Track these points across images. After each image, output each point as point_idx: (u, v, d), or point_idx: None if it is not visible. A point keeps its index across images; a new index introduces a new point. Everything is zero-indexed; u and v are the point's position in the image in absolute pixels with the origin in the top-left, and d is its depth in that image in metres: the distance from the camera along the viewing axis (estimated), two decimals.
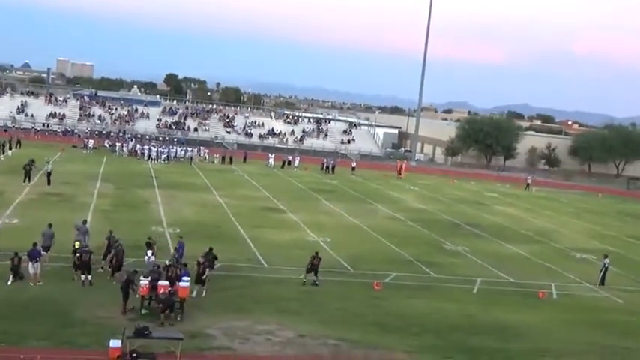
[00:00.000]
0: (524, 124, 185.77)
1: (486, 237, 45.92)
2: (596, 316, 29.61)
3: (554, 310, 29.92)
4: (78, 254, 27.03)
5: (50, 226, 29.83)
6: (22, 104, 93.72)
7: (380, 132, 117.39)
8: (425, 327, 25.43)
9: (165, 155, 72.35)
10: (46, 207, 40.82)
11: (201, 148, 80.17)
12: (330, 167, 76.40)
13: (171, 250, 32.09)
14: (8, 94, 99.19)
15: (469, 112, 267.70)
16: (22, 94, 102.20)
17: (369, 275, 32.22)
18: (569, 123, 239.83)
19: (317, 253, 30.68)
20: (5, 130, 79.30)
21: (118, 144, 76.42)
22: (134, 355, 19.62)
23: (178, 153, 74.68)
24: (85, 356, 19.56)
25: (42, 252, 26.95)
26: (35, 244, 26.82)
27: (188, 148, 77.21)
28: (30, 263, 25.90)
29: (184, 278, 24.54)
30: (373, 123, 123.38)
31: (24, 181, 47.65)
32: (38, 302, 23.91)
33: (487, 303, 29.73)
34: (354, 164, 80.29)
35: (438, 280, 33.07)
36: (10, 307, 23.20)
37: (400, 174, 79.20)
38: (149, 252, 27.74)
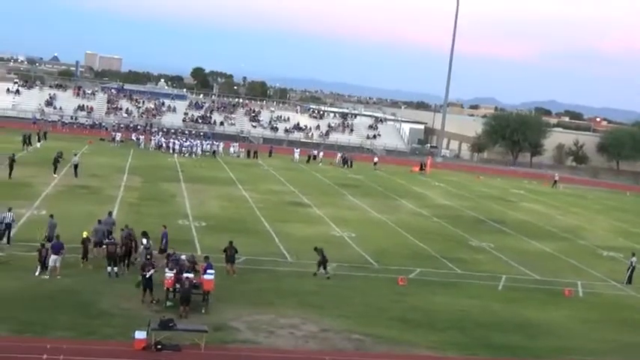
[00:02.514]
0: (552, 120, 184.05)
1: (512, 234, 45.62)
2: (623, 315, 29.30)
3: (579, 308, 29.66)
4: (104, 246, 27.34)
5: (52, 216, 30.34)
6: (50, 97, 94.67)
7: (406, 127, 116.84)
8: (449, 323, 25.33)
9: (192, 148, 72.59)
10: (73, 199, 41.26)
11: (232, 143, 79.74)
12: (349, 161, 76.49)
13: (197, 244, 32.39)
14: (37, 87, 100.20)
15: (496, 108, 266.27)
16: (50, 87, 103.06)
17: (393, 271, 32.14)
18: (598, 119, 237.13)
19: (316, 247, 30.65)
20: (34, 123, 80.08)
21: (142, 137, 76.89)
22: (159, 346, 19.78)
23: (204, 147, 74.78)
24: (110, 347, 19.74)
25: (64, 246, 27.11)
26: (58, 237, 27.08)
27: (215, 142, 77.38)
28: (52, 256, 26.09)
29: (209, 271, 24.66)
30: (399, 118, 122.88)
31: (54, 173, 48.16)
32: (64, 293, 24.17)
33: (512, 300, 29.54)
34: (375, 159, 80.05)
35: (463, 277, 32.93)
36: (36, 298, 23.47)
37: (424, 169, 78.89)
38: (144, 240, 27.94)
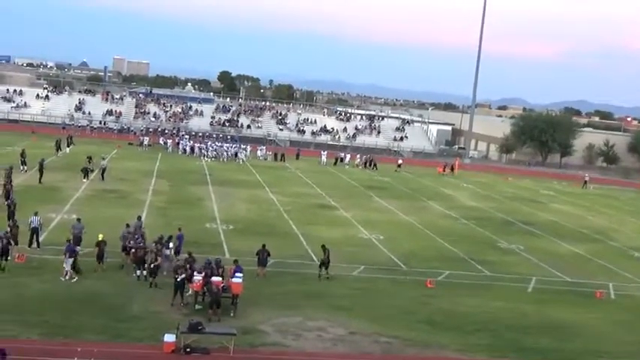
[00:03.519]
0: (582, 120, 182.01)
1: (542, 235, 45.24)
2: None
3: (611, 310, 29.32)
4: (133, 250, 27.60)
5: (79, 220, 30.60)
6: (79, 102, 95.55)
7: (433, 129, 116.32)
8: (478, 326, 25.19)
9: (219, 152, 72.82)
10: (102, 203, 41.67)
11: (259, 146, 79.79)
12: (373, 163, 76.46)
13: (225, 247, 32.56)
14: (66, 93, 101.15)
15: (524, 109, 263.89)
16: (79, 92, 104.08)
17: (421, 273, 32.05)
18: (629, 119, 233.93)
19: (323, 245, 30.51)
20: (63, 128, 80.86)
21: (169, 141, 77.39)
22: (188, 349, 19.92)
23: (231, 150, 74.81)
24: (140, 350, 19.93)
25: (77, 248, 27.31)
26: (69, 241, 27.31)
27: (242, 145, 77.48)
28: (67, 260, 26.31)
29: (237, 274, 24.77)
30: (426, 120, 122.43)
31: (84, 178, 48.66)
32: (94, 297, 24.43)
33: (542, 302, 29.29)
34: (400, 161, 79.75)
35: (492, 279, 32.72)
36: (66, 301, 23.75)
37: (452, 171, 78.59)
38: (170, 244, 28.10)
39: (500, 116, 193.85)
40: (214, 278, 24.22)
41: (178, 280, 24.29)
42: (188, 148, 74.83)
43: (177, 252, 28.75)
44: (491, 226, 46.68)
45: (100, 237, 27.84)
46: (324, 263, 29.79)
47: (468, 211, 52.32)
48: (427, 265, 33.94)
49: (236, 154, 73.53)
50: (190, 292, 24.79)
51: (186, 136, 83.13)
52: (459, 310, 26.96)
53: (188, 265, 25.17)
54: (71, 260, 26.26)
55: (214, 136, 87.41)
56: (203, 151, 73.13)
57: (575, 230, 48.54)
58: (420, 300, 27.98)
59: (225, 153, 73.04)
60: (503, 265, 35.75)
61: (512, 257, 37.88)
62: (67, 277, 26.06)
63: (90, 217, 33.56)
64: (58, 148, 62.15)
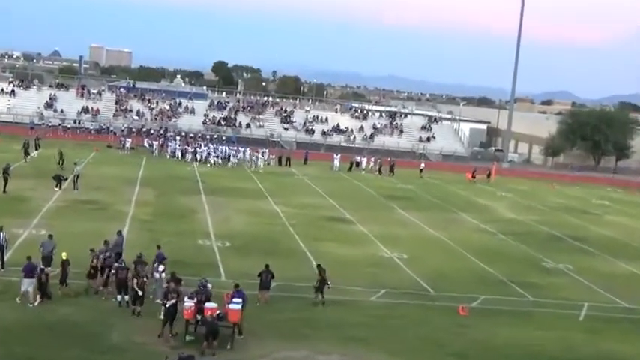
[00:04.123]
0: None
1: (595, 253, 45.13)
2: None
3: None
4: (113, 271, 27.63)
5: (51, 236, 30.65)
6: (50, 98, 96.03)
7: (465, 128, 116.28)
8: None
9: (212, 155, 72.81)
10: (77, 216, 41.79)
11: (262, 150, 79.42)
12: (389, 167, 76.95)
13: (220, 268, 32.58)
14: (35, 87, 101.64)
15: (572, 104, 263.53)
16: (50, 86, 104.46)
17: (452, 298, 31.97)
18: None
19: (319, 265, 30.55)
20: (32, 128, 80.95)
21: (155, 143, 77.63)
22: None
23: (227, 153, 74.70)
24: None
25: (40, 267, 27.27)
26: (30, 258, 27.34)
27: (240, 148, 77.34)
28: (25, 280, 26.35)
29: (235, 300, 24.74)
30: (457, 117, 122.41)
31: (56, 187, 48.79)
32: (68, 325, 24.48)
33: (595, 332, 29.17)
34: (422, 165, 79.67)
35: (536, 305, 32.61)
36: (36, 330, 23.80)
37: (488, 178, 78.54)
38: (161, 267, 28.12)
39: (544, 113, 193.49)
40: (208, 304, 24.22)
41: (167, 305, 24.24)
42: (178, 152, 75.01)
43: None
44: (535, 242, 46.57)
45: (64, 256, 27.91)
46: (322, 286, 29.61)
47: (507, 224, 52.24)
48: (459, 288, 33.85)
49: (228, 158, 73.12)
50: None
51: (177, 138, 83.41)
52: (497, 342, 26.87)
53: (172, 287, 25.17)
54: (29, 281, 26.30)
55: (208, 137, 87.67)
56: (197, 154, 73.08)
57: (634, 247, 48.41)
58: (451, 330, 27.89)
59: (211, 156, 72.56)
60: (549, 288, 35.62)
61: (559, 279, 37.76)
62: (35, 303, 26.11)
63: (62, 233, 33.63)
64: (26, 152, 62.39)
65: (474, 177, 77.89)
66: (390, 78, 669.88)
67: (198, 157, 72.85)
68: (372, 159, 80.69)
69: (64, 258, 27.82)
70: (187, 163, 70.85)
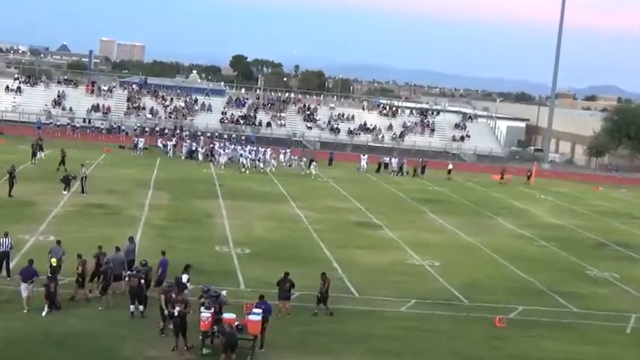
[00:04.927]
0: None
1: None
2: None
3: None
4: (127, 279, 27.73)
5: (59, 242, 30.89)
6: (58, 95, 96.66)
7: (502, 125, 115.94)
8: None
9: (229, 157, 72.69)
10: (86, 221, 42.02)
11: (282, 149, 79.33)
12: (398, 167, 77.56)
13: (239, 276, 32.59)
14: (42, 84, 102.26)
15: (619, 99, 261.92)
16: (58, 83, 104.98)
17: (488, 309, 31.85)
18: None
19: (324, 273, 30.38)
20: (38, 128, 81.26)
21: (170, 143, 77.75)
22: None
23: (254, 155, 73.98)
24: None
25: (37, 273, 27.35)
26: (31, 262, 27.52)
27: (260, 149, 77.00)
28: (23, 285, 26.55)
29: (255, 310, 24.75)
30: (493, 114, 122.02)
31: (65, 190, 49.11)
32: (76, 337, 24.58)
33: None
34: (450, 166, 79.15)
35: (579, 316, 32.43)
36: (43, 342, 23.94)
37: (528, 179, 78.21)
38: (184, 277, 28.09)
39: (588, 109, 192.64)
40: (226, 315, 24.25)
41: (175, 314, 24.10)
42: (199, 155, 74.70)
43: (159, 282, 28.57)
44: (578, 248, 46.33)
45: (54, 262, 28.12)
46: (324, 297, 29.49)
47: (547, 229, 51.99)
48: (495, 298, 33.75)
49: (240, 161, 72.36)
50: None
51: (194, 137, 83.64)
52: (537, 356, 26.75)
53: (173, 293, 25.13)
54: (27, 285, 26.50)
55: (226, 136, 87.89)
56: (215, 155, 72.96)
57: None
58: (487, 343, 27.79)
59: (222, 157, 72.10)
60: (594, 298, 35.42)
61: (604, 289, 37.53)
62: (27, 309, 26.32)
63: (72, 239, 33.82)
64: (34, 153, 62.77)
65: (502, 178, 77.48)
66: (421, 72, 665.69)
67: (222, 159, 71.82)
68: (394, 160, 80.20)
69: (54, 264, 27.95)
70: (204, 165, 70.64)
